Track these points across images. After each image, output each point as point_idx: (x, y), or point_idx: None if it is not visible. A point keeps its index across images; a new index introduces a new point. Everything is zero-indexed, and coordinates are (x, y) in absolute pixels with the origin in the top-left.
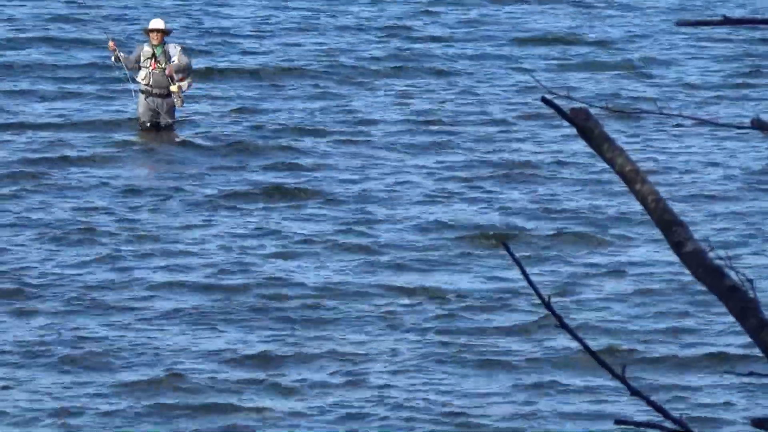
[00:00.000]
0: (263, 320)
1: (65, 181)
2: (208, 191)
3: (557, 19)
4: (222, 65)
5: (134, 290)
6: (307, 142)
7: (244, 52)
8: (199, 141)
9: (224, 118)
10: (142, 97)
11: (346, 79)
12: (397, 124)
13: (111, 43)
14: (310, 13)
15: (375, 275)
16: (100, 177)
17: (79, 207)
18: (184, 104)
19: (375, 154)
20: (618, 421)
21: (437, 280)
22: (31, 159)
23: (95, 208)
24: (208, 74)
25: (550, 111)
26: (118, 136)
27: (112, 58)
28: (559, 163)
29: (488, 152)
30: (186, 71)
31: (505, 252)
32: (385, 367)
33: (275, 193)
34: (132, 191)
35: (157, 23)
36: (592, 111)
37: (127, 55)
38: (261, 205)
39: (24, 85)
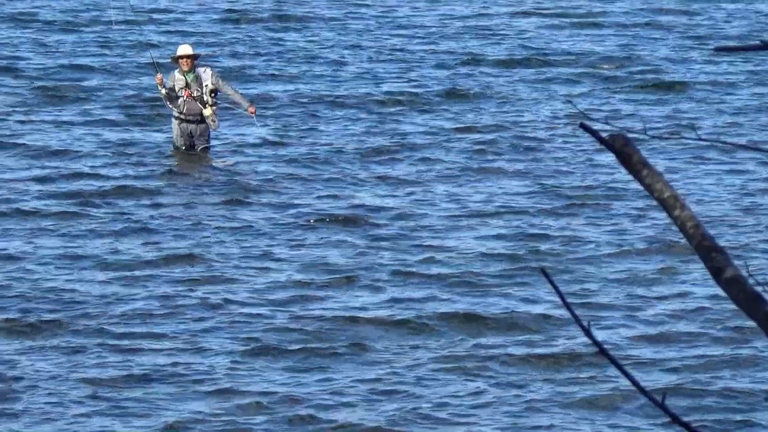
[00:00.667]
0: (314, 352)
1: (102, 208)
2: (250, 218)
3: (600, 41)
4: (265, 89)
5: (177, 319)
6: (350, 167)
7: (289, 77)
8: (239, 167)
9: (267, 143)
10: (176, 123)
11: (391, 104)
12: (446, 150)
13: (159, 77)
14: (350, 39)
15: (428, 303)
16: (139, 204)
17: (117, 234)
18: (219, 127)
19: (424, 180)
20: None
21: (486, 307)
22: (69, 187)
23: (135, 236)
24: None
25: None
26: (155, 163)
27: (163, 92)
28: (607, 187)
29: (536, 177)
30: (230, 91)
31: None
32: (436, 402)
33: (319, 220)
34: (172, 218)
35: (185, 49)
36: (632, 136)
37: (165, 87)
38: (305, 235)
39: (62, 111)
